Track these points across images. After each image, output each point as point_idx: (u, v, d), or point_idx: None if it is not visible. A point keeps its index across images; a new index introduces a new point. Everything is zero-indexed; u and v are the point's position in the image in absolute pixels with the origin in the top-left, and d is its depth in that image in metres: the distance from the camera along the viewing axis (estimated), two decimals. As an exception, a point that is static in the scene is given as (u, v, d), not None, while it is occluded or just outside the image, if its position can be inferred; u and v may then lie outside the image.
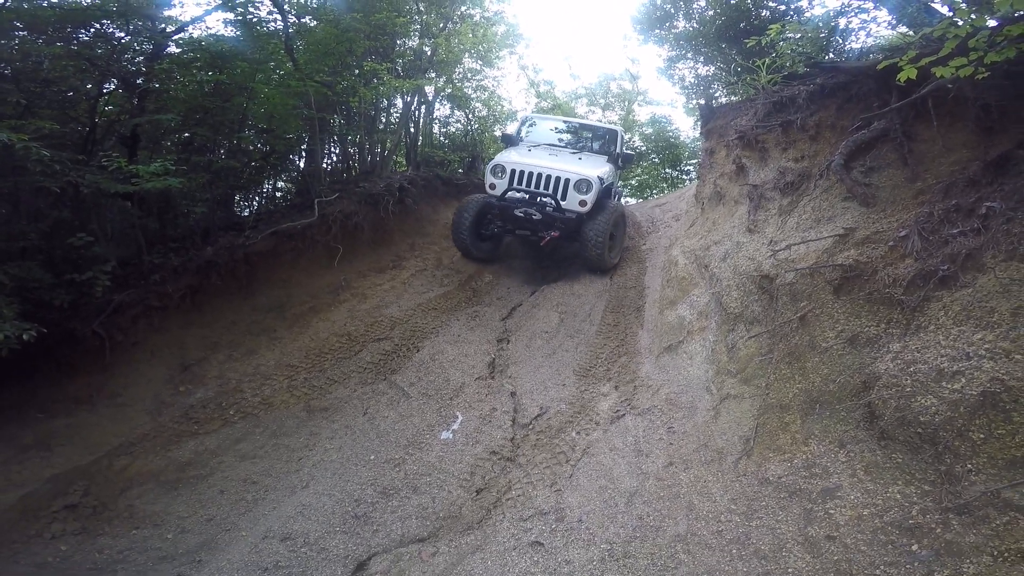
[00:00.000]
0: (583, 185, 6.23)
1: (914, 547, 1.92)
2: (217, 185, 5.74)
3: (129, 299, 4.44)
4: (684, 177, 12.72)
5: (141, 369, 4.47)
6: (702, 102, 7.73)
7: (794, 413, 2.77)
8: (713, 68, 8.72)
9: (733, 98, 7.52)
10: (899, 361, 2.36)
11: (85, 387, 4.35)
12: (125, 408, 4.32)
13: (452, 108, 10.45)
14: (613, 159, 7.34)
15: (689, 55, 8.94)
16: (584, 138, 7.86)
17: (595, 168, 6.63)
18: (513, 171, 6.44)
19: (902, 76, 2.76)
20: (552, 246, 6.90)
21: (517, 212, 6.31)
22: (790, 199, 4.20)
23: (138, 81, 5.54)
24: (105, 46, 5.48)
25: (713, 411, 3.39)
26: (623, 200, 10.23)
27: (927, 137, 3.42)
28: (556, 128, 8.11)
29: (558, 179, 6.30)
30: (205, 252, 4.81)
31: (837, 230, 3.37)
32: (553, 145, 7.51)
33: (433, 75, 8.99)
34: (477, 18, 9.61)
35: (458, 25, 9.08)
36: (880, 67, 3.10)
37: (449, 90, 9.26)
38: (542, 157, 6.81)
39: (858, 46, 5.67)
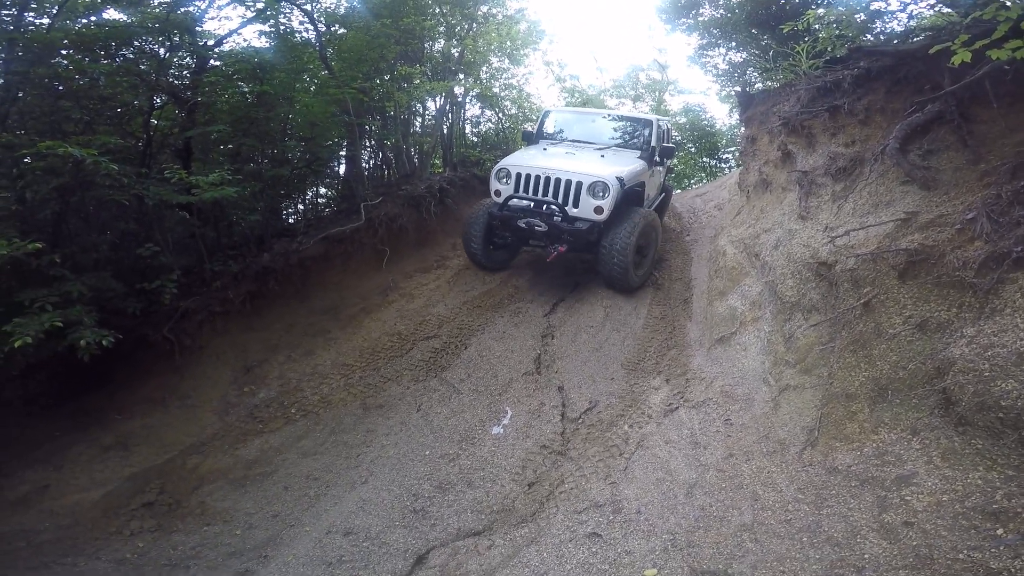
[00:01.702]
0: (598, 188, 5.45)
1: (999, 531, 1.92)
2: (268, 193, 6.03)
3: (194, 305, 4.74)
4: (722, 166, 12.51)
5: (208, 371, 4.77)
6: (738, 89, 7.64)
7: (861, 402, 2.76)
8: (745, 54, 8.59)
9: (772, 84, 7.37)
10: (975, 345, 2.34)
11: (158, 389, 4.67)
12: (195, 409, 4.61)
13: (482, 108, 10.63)
14: (647, 154, 6.42)
15: (720, 42, 8.84)
16: (612, 131, 6.95)
17: (617, 167, 5.81)
18: (519, 175, 5.77)
19: (956, 59, 2.81)
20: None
21: (520, 223, 5.65)
22: (843, 185, 4.15)
23: (186, 95, 5.87)
24: (150, 62, 5.81)
25: (772, 402, 3.39)
26: (672, 195, 8.95)
27: (986, 118, 3.35)
28: (579, 122, 7.23)
29: (568, 182, 5.52)
30: (262, 259, 5.10)
31: (898, 214, 3.33)
32: (576, 141, 6.74)
33: (462, 76, 9.15)
34: (500, 17, 9.72)
35: (482, 26, 9.20)
36: (933, 51, 3.11)
37: (478, 90, 9.40)
38: (555, 157, 6.11)
39: (899, 28, 5.52)
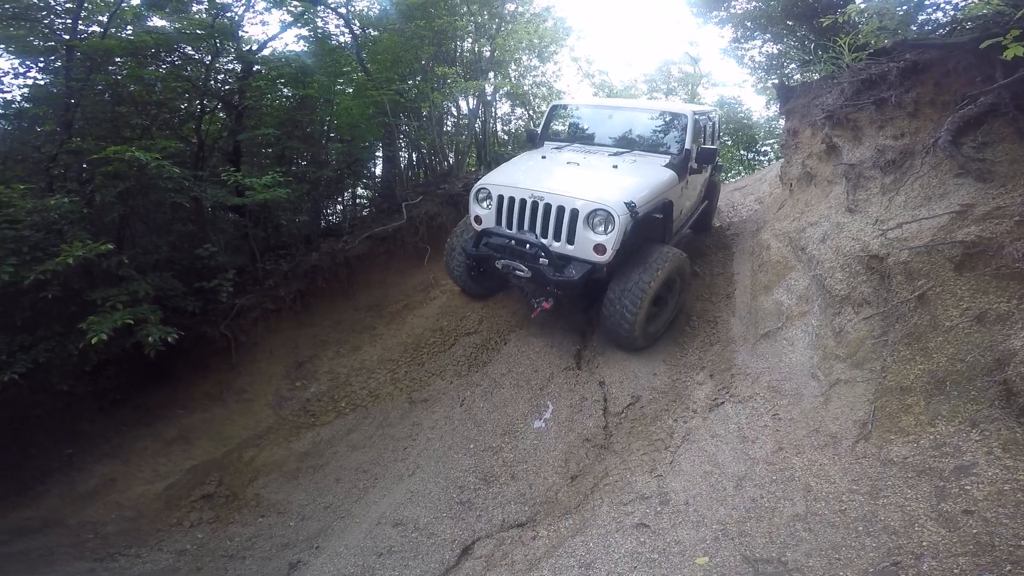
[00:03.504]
0: (598, 219, 4.21)
1: (1063, 520, 1.96)
2: (313, 194, 6.33)
3: (249, 303, 5.06)
4: (761, 159, 12.37)
5: (262, 367, 5.05)
6: (776, 82, 7.57)
7: (917, 395, 2.80)
8: (781, 46, 8.50)
9: (811, 77, 7.29)
10: (1036, 337, 2.37)
11: (216, 385, 4.98)
12: (251, 403, 4.89)
13: (512, 106, 10.78)
14: (679, 160, 5.01)
15: (756, 34, 8.75)
16: (635, 129, 5.50)
17: (630, 185, 4.47)
18: (500, 198, 4.56)
19: (1008, 54, 2.83)
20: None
21: (498, 264, 4.53)
22: (893, 177, 4.14)
23: (234, 99, 6.22)
24: (196, 68, 6.14)
25: (822, 397, 3.44)
26: (719, 195, 7.32)
27: (1043, 111, 3.32)
28: (593, 118, 5.84)
29: (561, 210, 4.28)
30: (311, 258, 5.38)
31: (953, 207, 3.33)
32: (589, 143, 5.50)
33: (492, 75, 9.31)
34: (527, 16, 9.86)
35: (510, 24, 9.34)
36: (984, 46, 3.12)
37: (507, 88, 9.55)
38: (552, 171, 4.87)
39: (944, 18, 5.43)
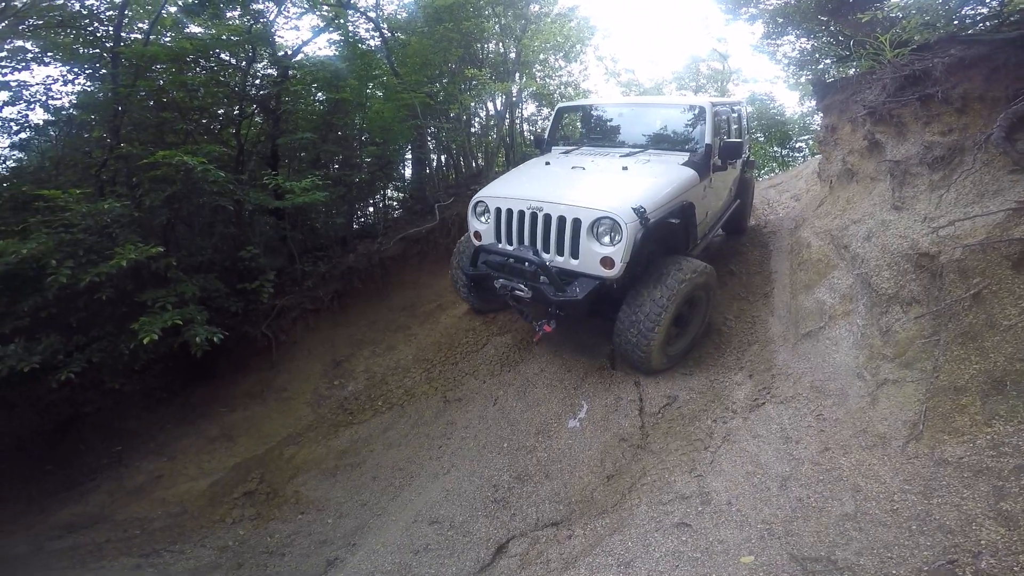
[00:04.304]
0: (603, 228, 3.87)
1: None
2: (348, 197, 6.52)
3: (288, 304, 5.25)
4: (795, 155, 12.20)
5: (301, 366, 5.22)
6: (811, 77, 7.47)
7: (972, 395, 2.77)
8: (815, 42, 8.39)
9: (849, 72, 7.16)
10: (1101, 334, 2.33)
11: (257, 383, 5.16)
12: (290, 401, 5.05)
13: (538, 106, 10.89)
14: (700, 158, 4.66)
15: (789, 29, 8.66)
16: (650, 128, 5.17)
17: (640, 188, 4.09)
18: (498, 211, 4.29)
19: None
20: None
21: (496, 284, 4.29)
22: (942, 174, 4.08)
23: (272, 104, 6.45)
24: (233, 73, 6.38)
25: (869, 397, 3.41)
26: (753, 192, 6.89)
27: (1100, 105, 3.24)
28: (603, 119, 5.50)
29: (562, 220, 3.95)
30: (347, 259, 5.55)
31: (1008, 204, 3.27)
32: (600, 145, 5.19)
33: (517, 76, 9.43)
34: (551, 16, 9.94)
35: (534, 25, 9.44)
36: None
37: (533, 88, 9.65)
38: (555, 176, 4.58)
39: (986, 12, 5.31)
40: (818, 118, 8.47)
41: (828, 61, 8.30)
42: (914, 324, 3.38)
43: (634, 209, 3.80)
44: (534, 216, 4.08)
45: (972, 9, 5.40)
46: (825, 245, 4.96)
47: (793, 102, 13.68)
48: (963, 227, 3.38)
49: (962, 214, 3.46)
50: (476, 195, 4.60)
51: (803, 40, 8.78)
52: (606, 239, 3.88)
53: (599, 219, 3.85)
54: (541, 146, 5.52)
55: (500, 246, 4.31)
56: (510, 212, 4.23)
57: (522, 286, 4.11)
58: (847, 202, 5.09)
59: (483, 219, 4.46)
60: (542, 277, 4.03)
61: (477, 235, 4.53)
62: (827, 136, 6.21)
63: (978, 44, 4.19)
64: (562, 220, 3.98)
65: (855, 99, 5.55)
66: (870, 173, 4.93)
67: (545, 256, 4.10)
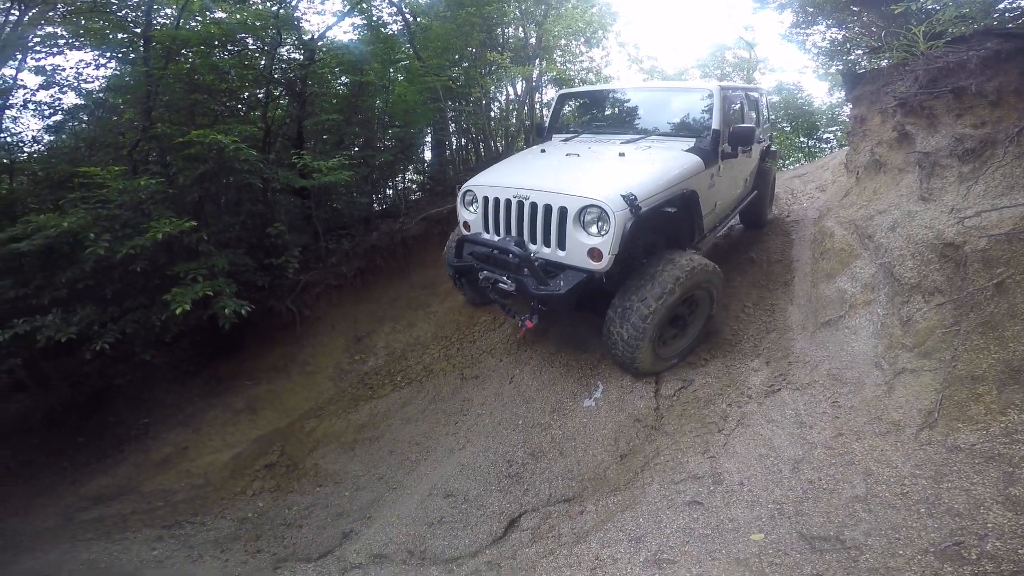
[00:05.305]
0: (589, 217, 3.69)
1: None
2: (372, 177, 6.66)
3: (313, 279, 5.40)
4: (822, 146, 12.00)
5: (324, 340, 5.39)
6: (841, 68, 7.34)
7: (989, 384, 2.80)
8: (846, 32, 8.24)
9: (882, 63, 7.01)
10: (1123, 325, 2.35)
11: (281, 357, 5.33)
12: (313, 375, 5.22)
13: (557, 91, 10.87)
14: (707, 144, 4.46)
15: (819, 19, 8.50)
16: (654, 114, 4.95)
17: (633, 175, 3.88)
18: (486, 199, 4.15)
19: None
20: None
21: (480, 276, 4.15)
22: (972, 166, 4.05)
23: (298, 87, 6.59)
24: (259, 58, 6.51)
25: (885, 386, 3.44)
26: (774, 183, 6.62)
27: None
28: (604, 105, 5.32)
29: (548, 209, 3.79)
30: (370, 237, 5.70)
31: (1038, 194, 3.26)
32: (602, 132, 4.97)
33: (538, 61, 9.42)
34: (573, 2, 9.87)
35: (556, 10, 9.38)
36: None
37: (553, 73, 9.64)
38: (547, 164, 4.46)
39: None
40: (847, 109, 8.34)
41: (859, 52, 8.16)
42: (935, 313, 3.40)
43: (623, 197, 3.58)
44: (520, 205, 3.91)
45: (1011, 3, 5.29)
46: (849, 235, 4.94)
47: (821, 92, 13.44)
48: (990, 218, 3.38)
49: (990, 205, 3.45)
50: (465, 184, 4.47)
51: (834, 30, 8.63)
52: (593, 229, 3.69)
53: (586, 207, 3.66)
54: (542, 133, 5.35)
55: (485, 236, 4.18)
56: (497, 201, 4.10)
57: (506, 279, 3.94)
58: (873, 192, 5.06)
59: (471, 208, 4.33)
60: (525, 269, 3.86)
61: (466, 225, 4.41)
62: (856, 127, 6.13)
63: (1015, 38, 4.14)
64: (548, 209, 3.80)
65: (886, 90, 5.48)
66: (898, 164, 4.89)
67: (532, 247, 3.95)
